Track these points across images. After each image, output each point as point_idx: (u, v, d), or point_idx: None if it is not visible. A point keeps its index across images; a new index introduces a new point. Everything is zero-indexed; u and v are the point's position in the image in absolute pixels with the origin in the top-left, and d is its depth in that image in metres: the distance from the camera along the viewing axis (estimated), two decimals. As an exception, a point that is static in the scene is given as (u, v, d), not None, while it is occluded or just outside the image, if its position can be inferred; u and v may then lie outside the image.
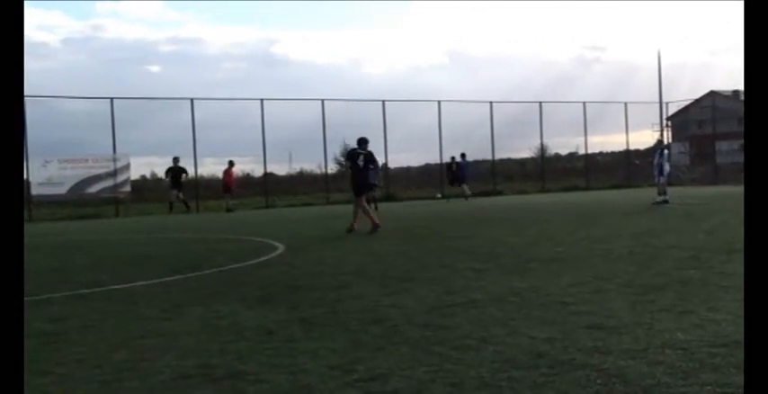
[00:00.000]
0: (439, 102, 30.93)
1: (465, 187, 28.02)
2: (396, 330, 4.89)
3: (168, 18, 72.60)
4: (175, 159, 25.90)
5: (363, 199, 13.60)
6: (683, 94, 51.24)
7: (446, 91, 64.63)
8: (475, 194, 28.85)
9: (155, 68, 65.67)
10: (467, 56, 72.56)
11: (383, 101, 30.07)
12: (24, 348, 4.59)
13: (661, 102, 37.46)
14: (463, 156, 28.28)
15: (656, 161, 19.82)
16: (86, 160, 25.80)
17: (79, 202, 26.85)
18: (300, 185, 34.86)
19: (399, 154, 31.48)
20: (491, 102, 32.27)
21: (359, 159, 13.35)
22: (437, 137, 30.68)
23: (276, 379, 3.85)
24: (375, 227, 13.03)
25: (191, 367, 4.12)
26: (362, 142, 13.54)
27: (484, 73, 66.93)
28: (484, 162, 33.84)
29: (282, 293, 6.70)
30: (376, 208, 19.67)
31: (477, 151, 31.44)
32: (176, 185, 25.70)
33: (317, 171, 33.89)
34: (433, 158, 32.07)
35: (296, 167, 37.93)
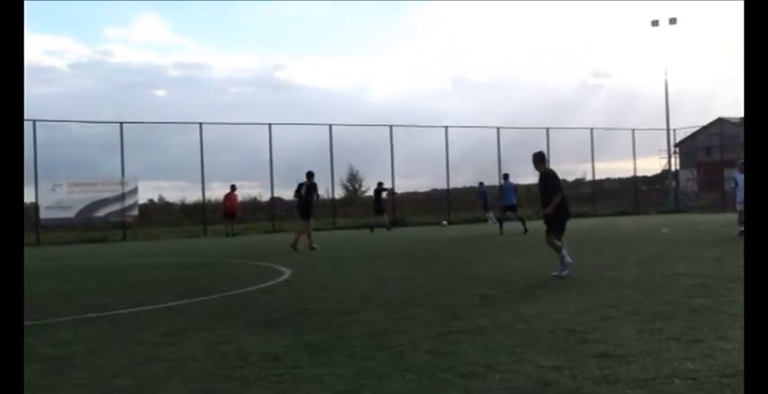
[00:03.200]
0: (446, 128, 31.07)
1: (490, 214, 27.50)
2: (402, 356, 4.85)
3: (175, 43, 73.35)
4: None
5: (310, 222, 16.55)
6: (690, 120, 51.35)
7: (451, 115, 64.86)
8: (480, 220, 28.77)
9: (161, 93, 66.17)
10: (470, 81, 72.94)
11: (390, 126, 30.21)
12: (25, 373, 4.57)
13: (668, 129, 37.51)
14: (506, 177, 21.69)
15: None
16: (95, 184, 25.93)
17: (87, 226, 26.92)
18: (307, 210, 34.78)
19: (406, 179, 31.40)
20: (498, 128, 32.40)
21: (302, 189, 16.34)
22: (443, 162, 30.77)
23: (280, 406, 3.81)
24: (311, 247, 16.03)
25: (195, 393, 4.09)
26: (309, 175, 16.54)
27: (488, 98, 67.07)
28: (492, 188, 33.89)
29: (288, 318, 6.66)
30: (388, 229, 24.55)
31: (482, 176, 31.47)
32: None
33: (324, 196, 33.93)
34: (440, 183, 32.15)
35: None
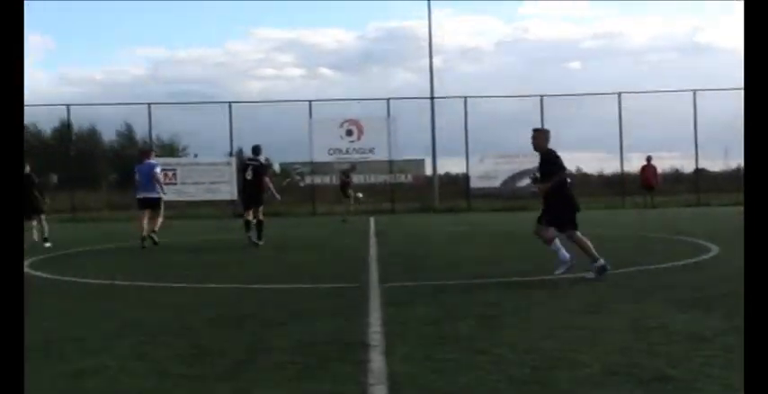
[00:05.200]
0: None
1: None
2: None
3: (589, 15, 72.57)
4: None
5: None
6: None
7: None
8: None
9: (575, 65, 66.17)
10: None
11: None
12: (461, 325, 5.06)
13: None
14: None
15: None
16: (517, 156, 27.31)
17: (510, 195, 28.56)
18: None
19: None
20: None
21: None
22: None
23: (709, 389, 3.61)
24: None
25: (617, 364, 4.10)
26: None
27: None
28: None
29: (716, 299, 6.23)
30: None
31: None
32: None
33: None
34: None
35: (732, 164, 34.73)
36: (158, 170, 14.10)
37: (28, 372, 4.12)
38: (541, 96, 27.09)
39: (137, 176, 14.20)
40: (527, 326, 5.26)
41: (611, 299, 6.33)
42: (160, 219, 13.91)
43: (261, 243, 12.77)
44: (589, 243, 7.72)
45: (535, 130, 8.40)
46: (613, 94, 26.97)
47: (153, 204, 13.79)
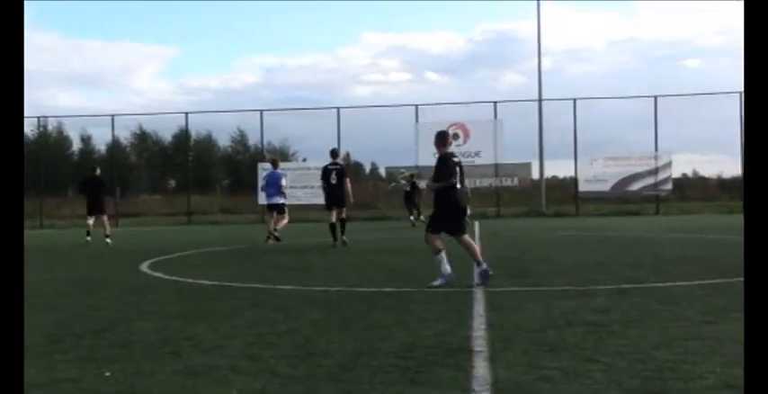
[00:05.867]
0: None
1: None
2: None
3: (708, 7, 69.37)
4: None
5: None
6: None
7: None
8: None
9: (693, 63, 63.28)
10: None
11: None
12: (567, 334, 4.93)
13: None
14: None
15: None
16: (629, 158, 26.46)
17: (621, 199, 27.68)
18: None
19: None
20: None
21: None
22: None
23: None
24: None
25: (735, 378, 3.87)
26: None
27: None
28: None
29: None
30: None
31: None
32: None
33: None
34: None
35: None
36: (284, 180, 15.59)
37: (146, 369, 4.34)
38: (655, 96, 26.14)
39: (263, 183, 16.08)
40: (638, 335, 5.06)
41: (732, 308, 6.00)
42: (284, 221, 15.50)
43: (345, 239, 13.82)
44: (476, 247, 7.99)
45: (436, 134, 8.50)
46: (734, 93, 25.66)
47: (278, 208, 15.39)
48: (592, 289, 7.41)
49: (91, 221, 16.52)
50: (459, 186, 7.99)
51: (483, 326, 5.42)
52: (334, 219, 13.99)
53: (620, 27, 72.34)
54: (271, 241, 15.07)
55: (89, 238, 16.37)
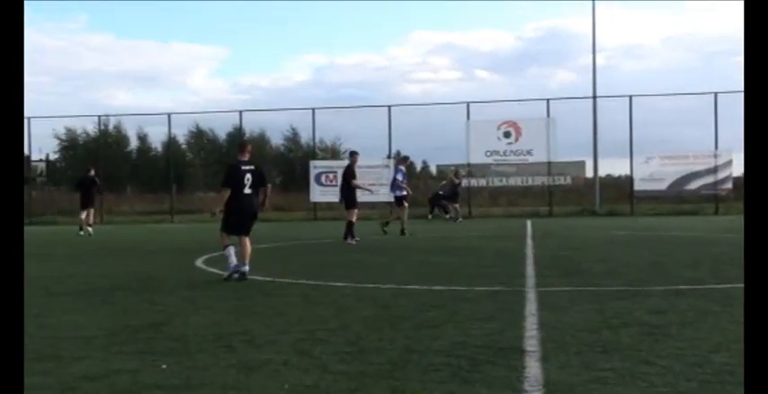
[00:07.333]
0: None
1: None
2: None
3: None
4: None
5: None
6: None
7: None
8: None
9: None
10: None
11: None
12: (623, 335, 4.85)
13: None
14: None
15: None
16: (687, 156, 25.84)
17: (679, 198, 27.05)
18: None
19: None
20: None
21: None
22: None
23: None
24: None
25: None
26: None
27: None
28: None
29: None
30: None
31: None
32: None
33: None
34: None
35: None
36: (399, 177, 17.43)
37: (201, 363, 4.42)
38: (715, 93, 25.43)
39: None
40: (695, 337, 4.95)
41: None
42: (403, 214, 17.23)
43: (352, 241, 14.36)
44: (249, 250, 8.96)
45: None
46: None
47: (396, 200, 17.46)
48: (647, 289, 7.26)
49: (83, 216, 19.11)
50: (247, 192, 9.02)
51: (535, 326, 5.37)
52: (353, 218, 14.77)
53: (675, 22, 70.71)
54: (407, 234, 16.48)
55: (82, 232, 18.76)
